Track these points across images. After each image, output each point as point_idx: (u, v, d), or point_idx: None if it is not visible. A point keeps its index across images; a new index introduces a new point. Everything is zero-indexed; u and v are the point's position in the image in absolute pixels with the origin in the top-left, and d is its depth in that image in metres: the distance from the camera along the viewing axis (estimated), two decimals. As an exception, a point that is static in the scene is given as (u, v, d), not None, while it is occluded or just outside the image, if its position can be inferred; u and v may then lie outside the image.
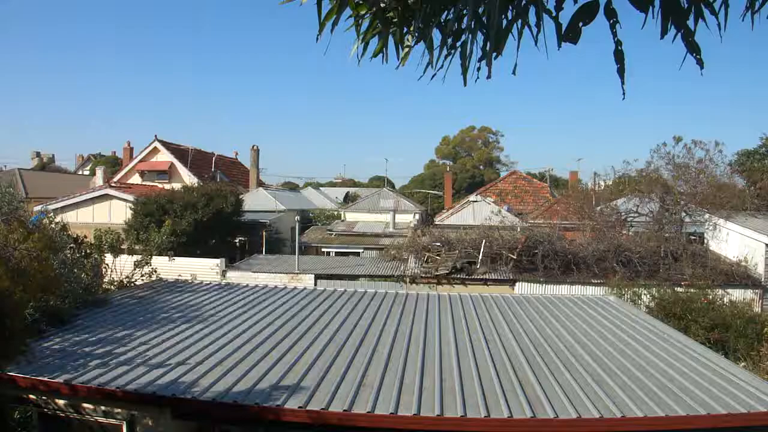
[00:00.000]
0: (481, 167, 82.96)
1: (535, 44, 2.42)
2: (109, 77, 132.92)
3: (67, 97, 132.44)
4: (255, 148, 49.04)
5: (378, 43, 3.21)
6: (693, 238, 27.50)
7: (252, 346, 10.60)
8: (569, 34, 2.28)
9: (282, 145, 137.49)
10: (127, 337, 10.75)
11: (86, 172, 67.05)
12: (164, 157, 44.91)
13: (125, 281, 16.21)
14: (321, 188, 63.38)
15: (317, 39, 3.09)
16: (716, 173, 28.06)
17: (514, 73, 2.68)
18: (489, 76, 2.73)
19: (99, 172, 46.93)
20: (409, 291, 18.49)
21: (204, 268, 23.34)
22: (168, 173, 44.06)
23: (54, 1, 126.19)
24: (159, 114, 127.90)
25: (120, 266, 16.36)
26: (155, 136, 45.27)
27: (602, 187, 35.42)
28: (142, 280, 16.30)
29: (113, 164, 61.62)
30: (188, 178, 42.12)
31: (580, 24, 2.26)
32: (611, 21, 2.24)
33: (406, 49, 3.18)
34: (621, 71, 2.31)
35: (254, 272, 24.48)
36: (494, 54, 2.59)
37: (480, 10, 2.55)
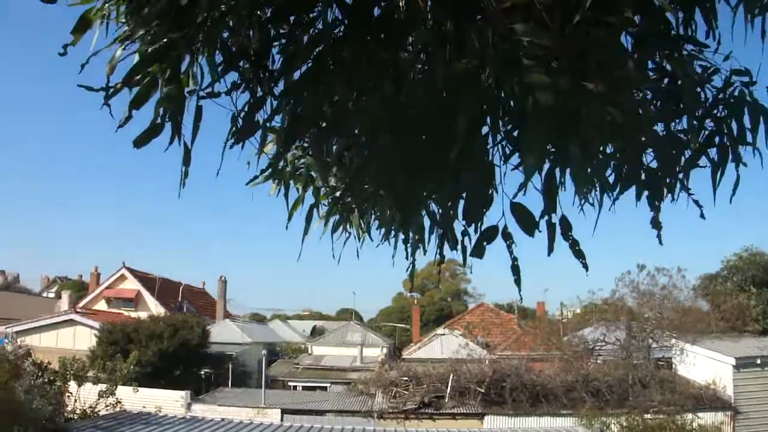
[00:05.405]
0: (449, 299, 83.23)
1: (452, 250, 2.93)
2: (78, 201, 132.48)
3: (35, 217, 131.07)
4: (223, 279, 49.03)
5: (336, 223, 3.85)
6: (661, 363, 27.57)
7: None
8: (475, 252, 2.67)
9: (249, 275, 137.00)
10: (91, 469, 10.51)
11: (51, 295, 65.54)
12: (131, 284, 44.62)
13: (88, 411, 15.86)
14: (288, 321, 62.72)
15: (287, 227, 3.78)
16: (680, 298, 28.68)
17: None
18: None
19: (65, 296, 45.89)
20: (377, 426, 18.28)
21: (168, 400, 22.73)
22: (134, 301, 43.61)
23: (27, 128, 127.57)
24: (126, 239, 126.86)
25: (84, 395, 16.07)
26: (123, 263, 45.24)
27: (569, 317, 35.81)
28: (106, 410, 15.96)
29: (79, 288, 60.50)
30: (155, 307, 41.66)
31: (484, 243, 2.63)
32: (508, 242, 2.61)
33: (363, 235, 3.84)
34: (518, 281, 2.68)
35: (220, 405, 23.94)
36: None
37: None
